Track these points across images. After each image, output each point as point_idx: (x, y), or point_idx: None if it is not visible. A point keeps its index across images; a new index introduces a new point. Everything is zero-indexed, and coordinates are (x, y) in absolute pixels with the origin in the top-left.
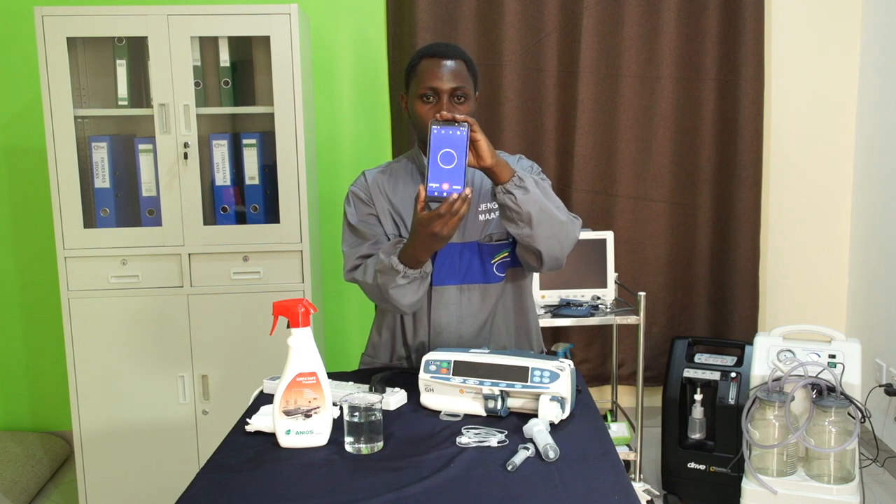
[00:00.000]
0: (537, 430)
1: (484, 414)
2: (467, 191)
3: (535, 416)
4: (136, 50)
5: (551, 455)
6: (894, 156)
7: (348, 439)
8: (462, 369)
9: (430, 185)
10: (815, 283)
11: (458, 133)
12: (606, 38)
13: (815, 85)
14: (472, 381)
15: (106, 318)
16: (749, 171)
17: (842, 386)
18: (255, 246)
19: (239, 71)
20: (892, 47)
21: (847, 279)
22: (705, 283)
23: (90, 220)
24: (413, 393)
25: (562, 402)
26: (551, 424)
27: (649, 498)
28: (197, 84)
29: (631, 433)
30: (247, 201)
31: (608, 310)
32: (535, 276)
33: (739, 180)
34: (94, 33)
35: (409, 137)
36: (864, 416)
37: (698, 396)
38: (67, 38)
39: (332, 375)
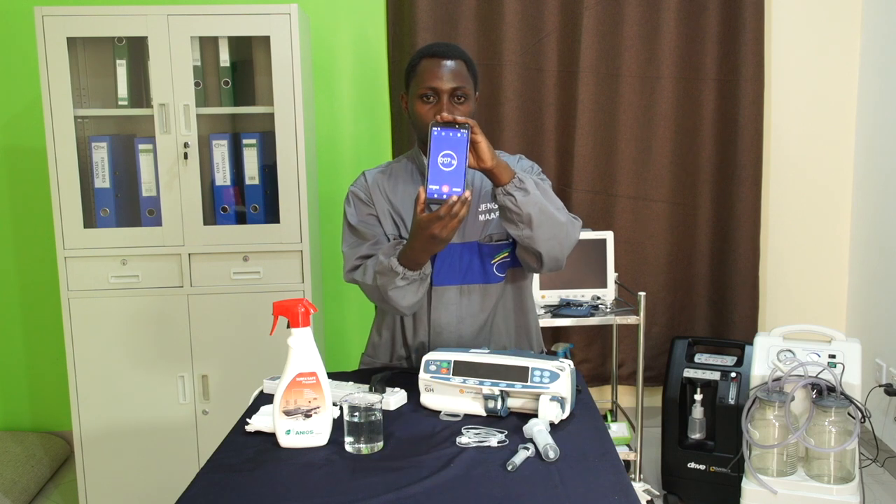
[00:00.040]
0: (537, 430)
1: (484, 414)
2: (467, 193)
3: (535, 416)
4: (136, 50)
5: (551, 455)
6: (894, 156)
7: (348, 439)
8: (462, 369)
9: (430, 187)
10: (815, 283)
11: (459, 135)
12: (606, 38)
13: (815, 85)
14: (472, 381)
15: (106, 318)
16: (749, 171)
17: (842, 386)
18: (255, 246)
19: (239, 71)
20: (892, 47)
21: (847, 279)
22: (705, 283)
23: (90, 220)
24: (413, 393)
25: (562, 402)
26: (551, 424)
27: (649, 498)
28: (197, 84)
29: (631, 433)
30: (247, 201)
31: (608, 310)
32: (535, 277)
33: (739, 180)
34: (94, 33)
35: (409, 137)
36: (864, 416)
37: (698, 396)
38: (67, 38)
39: (332, 375)
